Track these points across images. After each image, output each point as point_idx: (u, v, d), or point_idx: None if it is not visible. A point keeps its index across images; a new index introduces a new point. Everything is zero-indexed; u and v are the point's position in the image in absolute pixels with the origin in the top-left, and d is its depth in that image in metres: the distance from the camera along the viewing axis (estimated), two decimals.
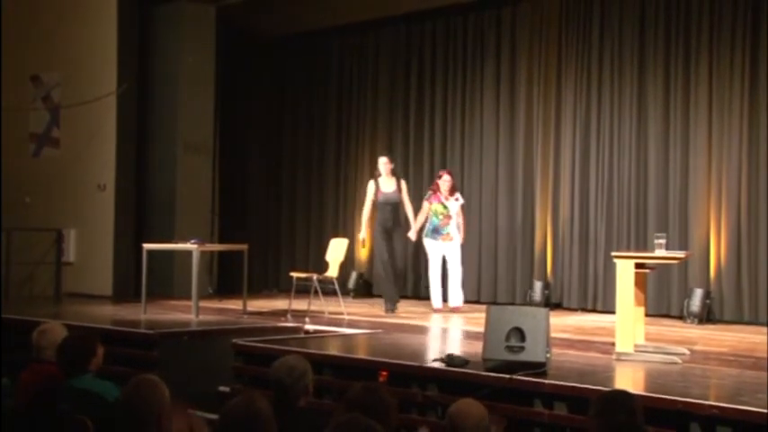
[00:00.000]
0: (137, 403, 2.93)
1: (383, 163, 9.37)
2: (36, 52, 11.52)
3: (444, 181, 9.47)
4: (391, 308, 9.15)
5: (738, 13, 9.00)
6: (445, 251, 9.47)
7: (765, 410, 4.34)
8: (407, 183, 9.80)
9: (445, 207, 9.43)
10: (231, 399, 2.91)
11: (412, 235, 9.47)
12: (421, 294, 10.63)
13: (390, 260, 9.24)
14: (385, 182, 9.33)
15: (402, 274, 9.96)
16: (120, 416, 2.96)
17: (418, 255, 10.67)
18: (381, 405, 3.15)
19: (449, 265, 9.44)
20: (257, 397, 2.86)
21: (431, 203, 9.47)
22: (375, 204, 9.33)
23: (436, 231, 9.46)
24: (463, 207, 9.63)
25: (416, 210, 9.65)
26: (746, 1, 8.96)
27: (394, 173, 9.46)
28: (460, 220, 9.55)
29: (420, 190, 11.08)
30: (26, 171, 11.47)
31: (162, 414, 2.94)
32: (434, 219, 9.43)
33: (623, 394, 3.52)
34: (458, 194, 9.57)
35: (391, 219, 9.27)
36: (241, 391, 5.98)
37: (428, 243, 9.49)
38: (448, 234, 9.45)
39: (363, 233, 9.73)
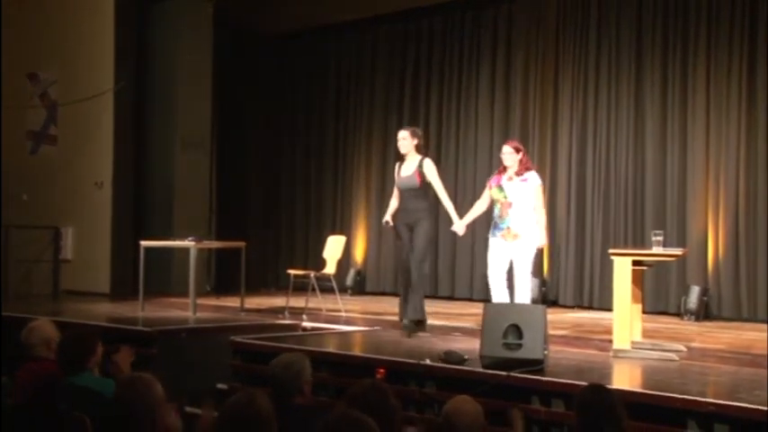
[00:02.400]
0: (130, 401, 2.94)
1: (400, 138, 7.33)
2: (33, 50, 11.50)
3: (505, 155, 6.95)
4: (408, 330, 7.07)
5: (736, 13, 9.02)
6: (510, 253, 6.88)
7: (763, 407, 4.35)
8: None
9: (501, 190, 6.93)
10: (229, 396, 2.91)
11: (457, 229, 7.25)
12: (464, 296, 10.47)
13: (407, 267, 7.17)
14: (406, 163, 7.31)
15: (421, 287, 7.20)
16: (113, 414, 2.97)
17: (459, 250, 10.49)
18: (386, 406, 3.15)
19: (514, 273, 6.89)
20: (258, 394, 2.87)
21: (489, 187, 7.06)
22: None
23: (495, 226, 6.96)
24: (543, 189, 7.24)
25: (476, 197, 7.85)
26: (744, 1, 8.98)
27: (420, 150, 7.30)
28: (539, 210, 6.90)
29: None
30: (23, 168, 11.45)
31: (155, 411, 2.95)
32: (495, 208, 6.97)
33: (599, 389, 3.53)
34: (530, 174, 6.91)
35: (412, 211, 7.17)
36: (239, 388, 5.99)
37: (490, 242, 7.04)
38: (508, 229, 6.84)
39: (387, 216, 7.42)
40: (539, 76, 10.35)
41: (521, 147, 7.02)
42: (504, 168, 6.94)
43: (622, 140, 9.69)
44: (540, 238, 6.89)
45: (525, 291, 6.81)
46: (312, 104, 12.42)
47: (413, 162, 7.22)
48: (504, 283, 6.89)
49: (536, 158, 10.25)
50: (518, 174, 6.86)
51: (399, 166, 7.36)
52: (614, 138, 9.76)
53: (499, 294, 6.85)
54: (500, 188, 6.90)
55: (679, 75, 9.33)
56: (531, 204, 6.85)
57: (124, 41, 10.97)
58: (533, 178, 6.90)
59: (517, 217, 6.81)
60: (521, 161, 6.89)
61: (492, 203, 7.00)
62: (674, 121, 9.35)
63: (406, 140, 7.25)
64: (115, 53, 10.87)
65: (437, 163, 10.91)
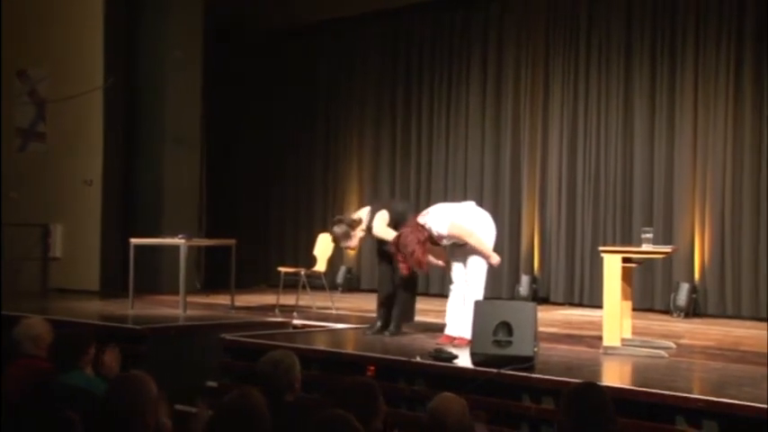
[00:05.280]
0: (123, 399, 2.94)
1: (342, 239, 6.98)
2: (22, 47, 11.44)
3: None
4: (371, 332, 6.97)
5: (724, 10, 9.07)
6: (467, 253, 6.57)
7: (750, 403, 4.39)
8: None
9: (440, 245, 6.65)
10: (220, 394, 2.92)
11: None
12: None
13: (387, 271, 6.96)
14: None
15: (401, 296, 6.97)
16: (107, 412, 2.96)
17: None
18: (370, 402, 3.16)
19: (467, 272, 6.57)
20: (252, 392, 2.87)
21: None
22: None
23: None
24: (456, 225, 6.44)
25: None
26: (731, 3, 9.02)
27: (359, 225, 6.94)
28: (474, 237, 6.47)
29: (407, 183, 11.17)
30: (12, 166, 11.40)
31: (148, 409, 2.95)
32: None
33: (592, 387, 3.52)
34: (435, 228, 6.41)
35: (392, 218, 6.86)
36: (229, 386, 5.98)
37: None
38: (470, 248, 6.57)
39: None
40: (529, 77, 10.37)
41: (417, 235, 6.31)
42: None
43: (612, 140, 9.73)
44: (488, 259, 6.42)
45: (477, 294, 6.36)
46: (302, 102, 12.40)
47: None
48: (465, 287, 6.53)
49: (527, 157, 10.29)
50: (436, 239, 6.43)
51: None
52: (604, 137, 9.80)
53: (457, 297, 6.54)
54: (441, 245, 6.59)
55: (667, 75, 9.37)
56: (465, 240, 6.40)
57: (113, 38, 10.93)
58: (438, 226, 6.37)
59: (467, 244, 6.43)
60: (423, 245, 6.32)
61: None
62: (661, 121, 9.39)
63: (352, 239, 6.91)
64: (104, 50, 10.83)
65: (429, 159, 11.06)
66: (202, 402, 3.63)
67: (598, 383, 3.79)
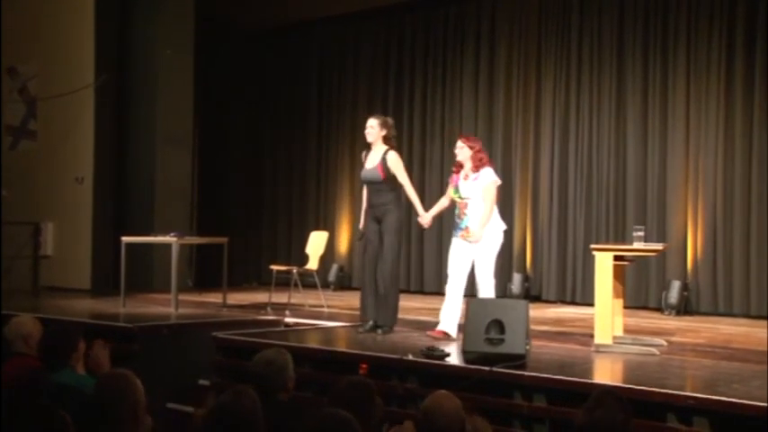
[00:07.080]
0: (109, 398, 2.93)
1: (368, 127, 6.96)
2: (12, 43, 11.39)
3: (457, 149, 6.80)
4: (363, 329, 6.90)
5: (715, 8, 9.09)
6: (471, 254, 6.66)
7: (740, 400, 4.40)
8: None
9: (457, 190, 6.74)
10: (211, 392, 2.92)
11: (423, 221, 6.94)
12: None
13: (374, 268, 6.90)
14: (372, 153, 6.96)
15: (394, 294, 6.95)
16: (94, 411, 2.96)
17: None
18: (366, 402, 3.15)
19: (476, 274, 6.66)
20: (246, 391, 2.87)
21: (450, 185, 6.89)
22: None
23: (455, 225, 6.77)
24: (498, 188, 6.85)
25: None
26: (722, 0, 9.05)
27: (388, 141, 6.95)
28: (487, 204, 6.62)
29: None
30: (3, 164, 11.35)
31: (135, 406, 2.94)
32: (455, 208, 6.79)
33: (614, 393, 3.48)
34: (483, 171, 6.67)
35: (378, 206, 6.86)
36: (221, 384, 5.98)
37: (452, 241, 6.82)
38: (467, 229, 6.63)
39: (362, 222, 7.14)
40: (521, 75, 10.38)
41: (475, 144, 6.78)
42: (460, 166, 6.76)
43: (604, 137, 9.75)
44: (475, 233, 6.56)
45: (488, 292, 6.58)
46: (295, 100, 12.40)
47: (377, 153, 6.91)
48: (463, 284, 6.68)
49: (519, 155, 10.30)
50: (472, 171, 6.68)
51: (366, 156, 7.03)
52: (596, 134, 9.82)
53: (454, 294, 6.64)
54: (456, 188, 6.73)
55: (659, 73, 9.39)
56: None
57: (105, 35, 10.90)
58: (485, 175, 6.66)
59: (474, 216, 6.61)
60: (473, 158, 6.67)
61: (453, 202, 6.82)
62: (654, 119, 9.42)
63: (374, 129, 6.93)
64: (96, 47, 10.80)
65: (422, 157, 11.08)
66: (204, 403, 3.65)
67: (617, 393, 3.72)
